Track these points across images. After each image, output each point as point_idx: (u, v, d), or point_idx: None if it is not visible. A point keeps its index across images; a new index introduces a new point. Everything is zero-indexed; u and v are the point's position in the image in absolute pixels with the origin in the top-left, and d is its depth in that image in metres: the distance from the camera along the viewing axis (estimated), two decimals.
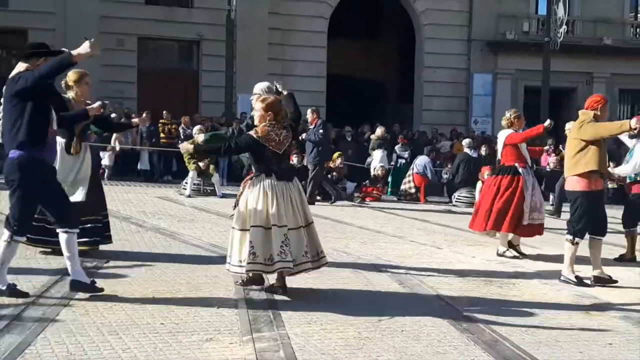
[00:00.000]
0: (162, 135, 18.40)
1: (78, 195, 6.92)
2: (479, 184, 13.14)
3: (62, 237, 5.67)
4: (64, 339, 4.71)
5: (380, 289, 6.79)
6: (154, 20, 22.69)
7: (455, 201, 16.16)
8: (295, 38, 24.30)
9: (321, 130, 13.97)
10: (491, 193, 9.00)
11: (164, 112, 18.85)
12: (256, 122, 6.34)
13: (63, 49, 5.75)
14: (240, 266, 6.06)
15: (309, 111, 13.91)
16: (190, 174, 14.38)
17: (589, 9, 26.82)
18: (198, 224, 10.26)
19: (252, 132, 6.25)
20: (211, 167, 14.59)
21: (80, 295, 5.70)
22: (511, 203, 8.84)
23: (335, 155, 16.54)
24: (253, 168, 6.46)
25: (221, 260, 6.76)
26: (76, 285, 5.70)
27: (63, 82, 7.16)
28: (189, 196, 13.92)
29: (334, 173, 15.78)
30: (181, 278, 6.65)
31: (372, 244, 9.49)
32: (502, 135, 9.14)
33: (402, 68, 27.98)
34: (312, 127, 14.20)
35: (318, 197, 14.93)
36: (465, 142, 17.42)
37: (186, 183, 14.45)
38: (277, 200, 6.07)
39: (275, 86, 7.09)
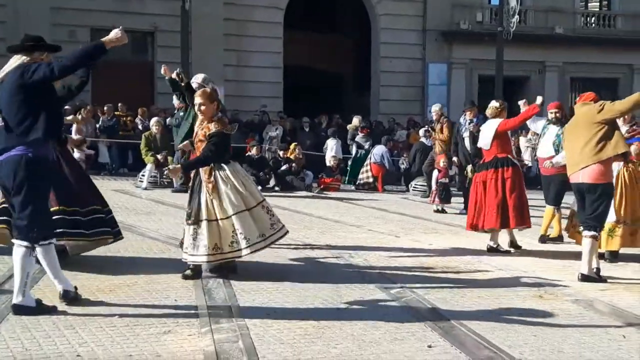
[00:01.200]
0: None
1: None
2: (435, 172, 13.26)
3: (19, 250, 5.06)
4: (19, 334, 4.65)
5: (338, 277, 6.81)
6: (106, 12, 22.32)
7: (412, 190, 16.29)
8: (251, 29, 24.15)
9: (182, 114, 13.92)
10: (497, 188, 8.45)
11: (119, 104, 18.62)
12: (202, 116, 6.37)
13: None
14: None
15: (174, 97, 13.69)
16: (148, 166, 14.25)
17: None
18: (155, 217, 10.18)
19: (214, 128, 6.25)
20: (169, 159, 14.48)
21: (34, 290, 5.59)
22: (524, 196, 8.60)
23: (292, 145, 16.56)
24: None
25: (179, 252, 6.72)
26: (20, 310, 5.05)
27: None
28: (146, 188, 13.79)
29: (293, 164, 15.78)
30: (138, 271, 6.59)
31: (331, 233, 9.53)
32: (492, 125, 8.64)
33: (359, 58, 28.04)
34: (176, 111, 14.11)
35: (276, 188, 14.94)
36: (422, 131, 17.55)
37: (143, 175, 14.31)
38: (245, 182, 6.40)
39: (180, 74, 7.39)
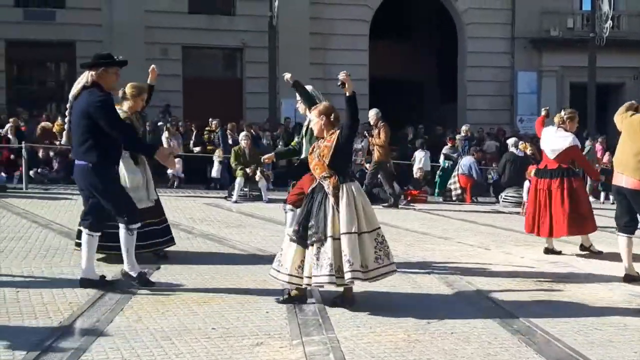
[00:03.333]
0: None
1: (148, 200, 7.41)
2: (526, 184, 12.98)
3: (122, 232, 6.26)
4: (118, 345, 4.80)
5: (428, 290, 6.77)
6: (197, 29, 22.98)
7: (502, 201, 16.00)
8: (336, 42, 24.35)
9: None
10: (563, 197, 8.83)
11: (210, 119, 19.09)
12: (320, 131, 6.19)
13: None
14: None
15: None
16: (237, 180, 14.54)
17: (634, 3, 26.34)
18: (245, 229, 10.36)
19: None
20: (257, 172, 14.74)
21: (133, 301, 5.83)
22: (589, 203, 9.30)
23: None
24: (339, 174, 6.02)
25: (269, 264, 6.80)
26: (85, 283, 6.18)
27: (121, 91, 7.26)
28: (236, 202, 14.06)
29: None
30: (230, 283, 6.73)
31: (419, 245, 9.46)
32: (563, 140, 8.96)
33: (444, 68, 27.80)
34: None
35: None
36: (511, 141, 17.22)
37: (233, 189, 14.60)
38: (365, 204, 5.99)
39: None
